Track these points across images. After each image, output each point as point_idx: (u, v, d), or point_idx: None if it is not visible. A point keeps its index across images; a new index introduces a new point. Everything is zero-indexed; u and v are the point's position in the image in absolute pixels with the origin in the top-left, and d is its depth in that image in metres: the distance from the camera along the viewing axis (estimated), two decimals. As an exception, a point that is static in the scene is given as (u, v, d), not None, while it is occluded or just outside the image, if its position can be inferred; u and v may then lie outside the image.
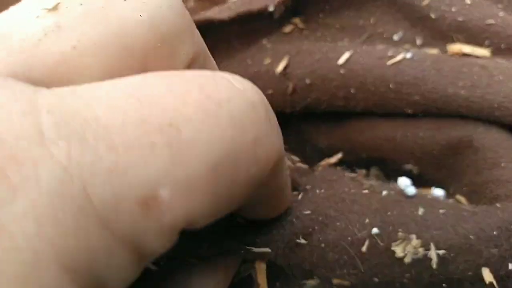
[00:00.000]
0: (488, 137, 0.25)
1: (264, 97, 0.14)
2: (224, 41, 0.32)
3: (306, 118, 0.33)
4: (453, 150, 0.26)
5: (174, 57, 0.14)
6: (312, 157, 0.34)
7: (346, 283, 0.24)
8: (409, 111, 0.27)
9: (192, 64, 0.15)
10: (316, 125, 0.32)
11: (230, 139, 0.11)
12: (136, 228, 0.10)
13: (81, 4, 0.12)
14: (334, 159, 0.27)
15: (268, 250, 0.19)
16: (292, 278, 0.24)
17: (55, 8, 0.12)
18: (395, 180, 0.31)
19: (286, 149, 0.29)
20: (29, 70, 0.11)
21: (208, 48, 0.32)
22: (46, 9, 0.12)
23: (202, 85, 0.12)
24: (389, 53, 0.27)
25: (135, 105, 0.10)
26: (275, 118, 0.14)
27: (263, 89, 0.30)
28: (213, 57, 0.33)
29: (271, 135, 0.13)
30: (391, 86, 0.27)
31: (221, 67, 0.32)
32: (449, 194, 0.25)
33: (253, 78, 0.30)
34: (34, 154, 0.09)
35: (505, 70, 0.26)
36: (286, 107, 0.31)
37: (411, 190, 0.22)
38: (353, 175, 0.25)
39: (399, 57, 0.27)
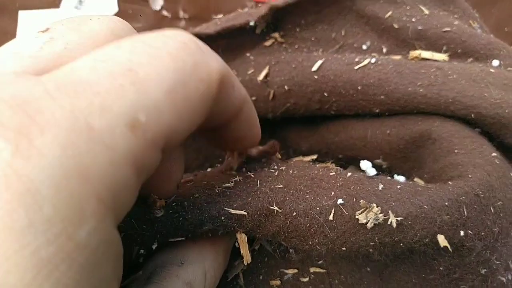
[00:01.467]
0: (444, 129, 0.28)
1: (193, 37, 0.18)
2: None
3: (288, 125, 0.35)
4: (415, 143, 0.29)
5: None
6: (294, 157, 0.37)
7: (322, 270, 0.26)
8: (376, 110, 0.30)
9: None
10: (297, 131, 0.35)
11: (174, 69, 0.16)
12: (130, 146, 0.14)
13: (62, 25, 0.18)
14: (308, 158, 0.30)
15: (244, 212, 0.21)
16: (273, 269, 0.26)
17: (46, 30, 0.18)
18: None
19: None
20: (36, 68, 0.16)
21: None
22: (40, 31, 0.18)
23: (143, 39, 0.16)
24: (356, 59, 0.30)
25: (101, 63, 0.15)
26: (208, 49, 0.18)
27: (249, 95, 0.33)
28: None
29: (205, 59, 0.17)
30: (359, 88, 0.30)
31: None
32: (410, 180, 0.28)
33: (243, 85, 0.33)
34: (50, 106, 0.13)
35: (459, 70, 0.29)
36: (268, 112, 0.33)
37: (372, 171, 0.24)
38: (323, 164, 0.27)
39: (365, 62, 0.30)
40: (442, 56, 0.31)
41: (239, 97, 0.20)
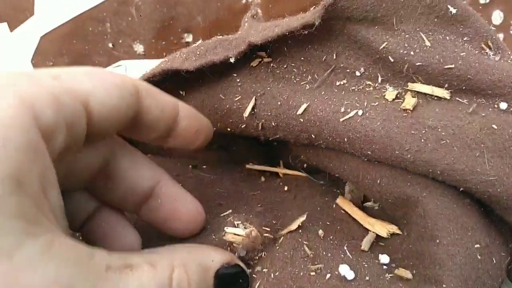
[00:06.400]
0: (432, 203, 0.25)
1: None
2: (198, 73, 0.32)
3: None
4: (403, 204, 0.26)
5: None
6: (293, 164, 0.36)
7: None
8: (365, 159, 0.27)
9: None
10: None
11: None
12: None
13: None
14: (294, 225, 0.28)
15: None
16: None
17: None
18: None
19: (258, 214, 0.30)
20: None
21: (186, 80, 0.32)
22: None
23: None
24: (342, 109, 0.27)
25: None
26: None
27: (237, 124, 0.31)
28: (191, 87, 0.33)
29: None
30: (345, 139, 0.27)
31: (199, 99, 0.32)
32: (393, 260, 0.27)
33: (227, 113, 0.31)
34: None
35: (455, 129, 0.25)
36: (260, 137, 0.31)
37: (350, 275, 0.24)
38: (308, 251, 0.26)
39: (351, 114, 0.26)
40: (443, 93, 0.26)
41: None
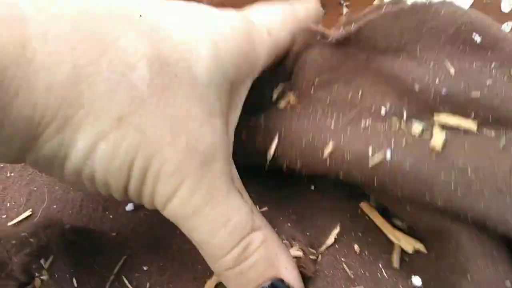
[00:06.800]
0: (465, 238, 0.25)
1: None
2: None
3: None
4: (434, 232, 0.27)
5: None
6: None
7: None
8: (395, 197, 0.27)
9: None
10: None
11: None
12: None
13: None
14: (331, 239, 0.29)
15: None
16: None
17: None
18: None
19: (294, 229, 0.30)
20: None
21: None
22: None
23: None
24: (370, 151, 0.26)
25: None
26: None
27: (261, 165, 0.30)
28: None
29: None
30: (374, 183, 0.26)
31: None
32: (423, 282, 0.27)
33: (251, 154, 0.31)
34: None
35: (485, 171, 0.24)
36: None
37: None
38: (348, 271, 0.27)
39: (380, 158, 0.26)
40: (469, 124, 0.26)
41: None
